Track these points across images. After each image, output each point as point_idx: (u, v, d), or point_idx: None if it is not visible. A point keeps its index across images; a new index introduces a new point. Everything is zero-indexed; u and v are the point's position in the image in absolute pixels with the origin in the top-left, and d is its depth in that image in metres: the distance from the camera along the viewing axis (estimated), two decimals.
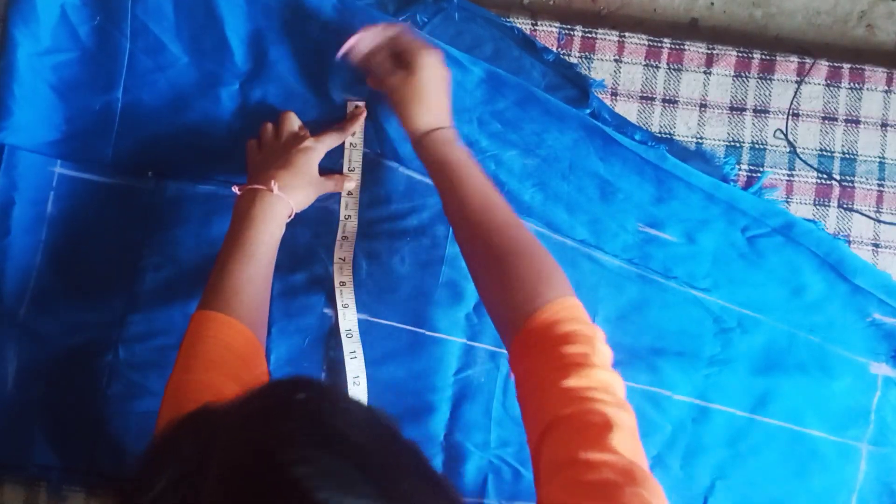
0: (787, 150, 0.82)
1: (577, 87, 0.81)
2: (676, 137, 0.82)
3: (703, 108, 0.82)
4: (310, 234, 0.79)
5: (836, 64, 0.82)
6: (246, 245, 0.67)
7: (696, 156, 0.82)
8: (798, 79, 0.82)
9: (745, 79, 0.82)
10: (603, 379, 0.54)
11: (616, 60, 0.82)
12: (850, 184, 0.82)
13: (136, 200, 0.79)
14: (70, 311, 0.78)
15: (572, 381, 0.53)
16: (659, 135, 0.82)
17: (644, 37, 0.82)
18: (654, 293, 0.80)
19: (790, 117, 0.82)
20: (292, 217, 0.72)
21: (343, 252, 0.78)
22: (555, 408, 0.53)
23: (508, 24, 0.81)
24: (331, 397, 0.42)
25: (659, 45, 0.82)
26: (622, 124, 0.81)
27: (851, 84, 0.82)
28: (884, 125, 0.82)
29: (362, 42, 0.73)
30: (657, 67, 0.82)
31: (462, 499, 0.44)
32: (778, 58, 0.82)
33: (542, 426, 0.53)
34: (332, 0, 0.78)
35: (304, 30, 0.79)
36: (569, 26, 0.82)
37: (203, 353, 0.62)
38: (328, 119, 0.79)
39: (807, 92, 0.82)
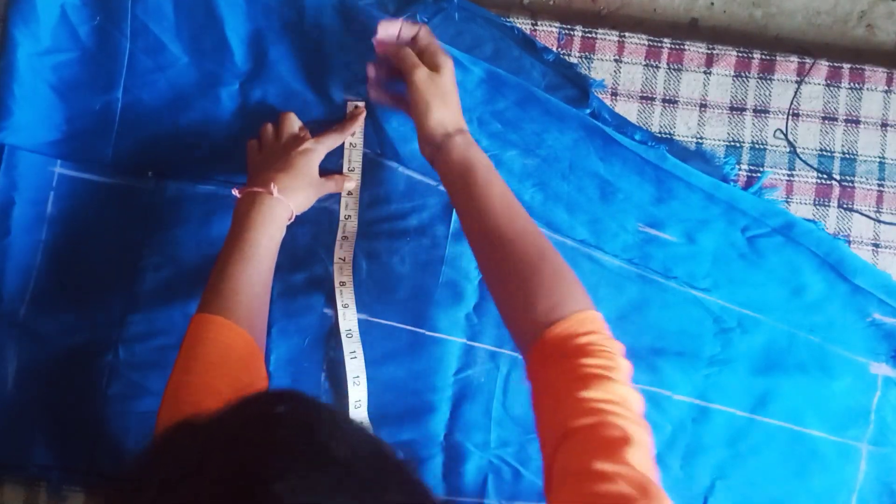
0: (787, 150, 0.83)
1: (577, 87, 0.81)
2: (676, 137, 0.82)
3: (703, 108, 0.82)
4: (310, 234, 0.79)
5: (836, 64, 0.82)
6: (245, 248, 0.67)
7: (696, 156, 0.82)
8: (798, 79, 0.82)
9: (745, 79, 0.82)
10: (622, 393, 0.54)
11: (616, 60, 0.82)
12: (850, 184, 0.82)
13: (136, 200, 0.79)
14: (70, 311, 0.78)
15: (591, 393, 0.53)
16: (659, 135, 0.82)
17: (644, 37, 0.82)
18: (654, 293, 0.80)
19: (790, 117, 0.82)
20: (293, 219, 0.72)
21: (343, 252, 0.78)
22: (572, 418, 0.53)
23: (508, 24, 0.81)
24: (314, 411, 0.42)
25: (659, 45, 0.82)
26: (622, 124, 0.81)
27: (851, 84, 0.82)
28: (884, 125, 0.82)
29: (395, 28, 0.72)
30: (657, 67, 0.82)
31: None
32: (778, 58, 0.82)
33: (557, 435, 0.53)
34: (332, 0, 0.78)
35: (304, 30, 0.79)
36: (569, 26, 0.82)
37: (202, 357, 0.62)
38: (328, 119, 0.79)
39: (807, 92, 0.82)
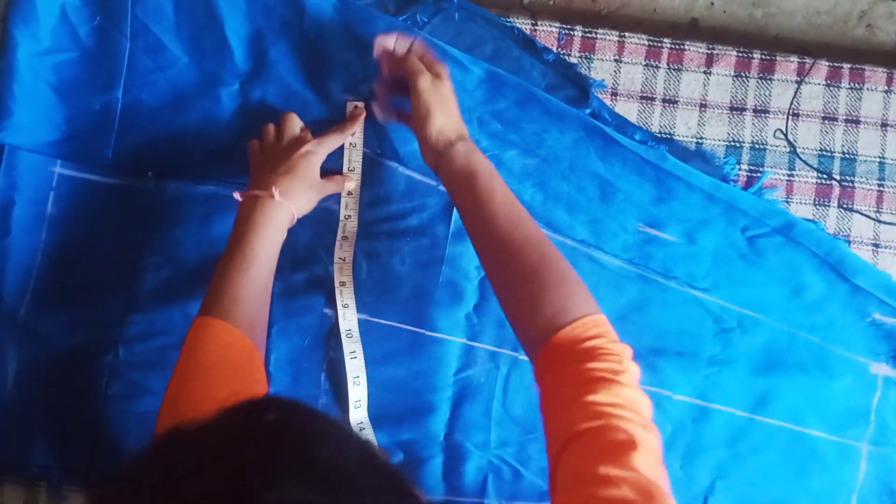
0: (787, 150, 0.82)
1: (577, 87, 0.81)
2: (676, 137, 0.82)
3: (703, 108, 0.82)
4: (310, 234, 0.79)
5: (836, 64, 0.82)
6: (247, 252, 0.67)
7: (696, 156, 0.82)
8: (798, 79, 0.82)
9: (745, 79, 0.82)
10: (630, 397, 0.54)
11: (616, 60, 0.82)
12: (850, 184, 0.82)
13: (136, 200, 0.79)
14: (70, 311, 0.78)
15: (598, 397, 0.53)
16: (659, 135, 0.82)
17: (644, 37, 0.82)
18: (654, 293, 0.80)
19: (790, 117, 0.82)
20: (294, 222, 0.72)
21: (343, 252, 0.78)
22: (578, 421, 0.53)
23: (508, 24, 0.81)
24: (305, 418, 0.41)
25: (659, 45, 0.82)
26: (622, 124, 0.81)
27: (851, 84, 0.82)
28: (884, 125, 0.82)
29: (392, 41, 0.73)
30: (657, 67, 0.82)
31: None
32: (778, 58, 0.82)
33: (563, 438, 0.53)
34: (332, 0, 0.79)
35: (303, 30, 0.79)
36: (569, 26, 0.82)
37: (202, 360, 0.63)
38: (328, 119, 0.79)
39: (807, 92, 0.82)
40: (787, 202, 0.82)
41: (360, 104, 0.79)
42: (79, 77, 0.79)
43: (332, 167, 0.78)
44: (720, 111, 0.82)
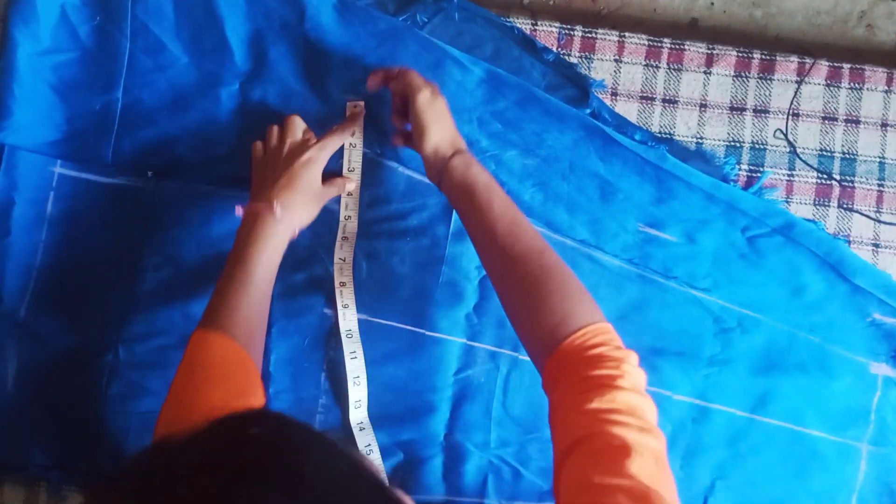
0: (787, 150, 0.83)
1: (577, 87, 0.81)
2: (676, 137, 0.82)
3: (703, 108, 0.82)
4: (310, 234, 0.79)
5: (836, 64, 0.82)
6: (247, 267, 0.67)
7: (696, 156, 0.82)
8: (798, 79, 0.82)
9: (745, 79, 0.82)
10: (628, 401, 0.53)
11: (616, 60, 0.82)
12: (850, 184, 0.82)
13: (136, 200, 0.79)
14: (70, 311, 0.78)
15: (594, 404, 0.53)
16: (659, 135, 0.82)
17: (644, 37, 0.82)
18: (654, 293, 0.80)
19: (790, 117, 0.82)
20: (296, 236, 0.72)
21: (343, 253, 0.78)
22: (575, 431, 0.53)
23: (508, 24, 0.81)
24: (289, 432, 0.41)
25: (659, 45, 0.82)
26: (622, 124, 0.81)
27: (851, 84, 0.82)
28: (884, 125, 0.82)
29: (381, 75, 0.75)
30: (657, 67, 0.82)
31: None
32: (778, 58, 0.82)
33: (562, 449, 0.53)
34: (332, 0, 0.78)
35: (303, 30, 0.79)
36: (569, 26, 0.82)
37: (199, 373, 0.63)
38: (328, 119, 0.79)
39: (807, 92, 0.82)
40: (787, 202, 0.82)
41: (361, 104, 0.79)
42: (79, 77, 0.79)
43: (331, 167, 0.78)
44: (720, 111, 0.82)
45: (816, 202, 0.82)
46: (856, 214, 0.82)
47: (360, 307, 0.79)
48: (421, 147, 0.71)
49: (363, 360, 0.77)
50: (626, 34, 0.82)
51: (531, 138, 0.80)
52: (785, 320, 0.80)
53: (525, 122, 0.80)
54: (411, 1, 0.80)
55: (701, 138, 0.82)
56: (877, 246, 0.82)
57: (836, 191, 0.82)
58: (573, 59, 0.82)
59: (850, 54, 0.85)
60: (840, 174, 0.82)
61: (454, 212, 0.78)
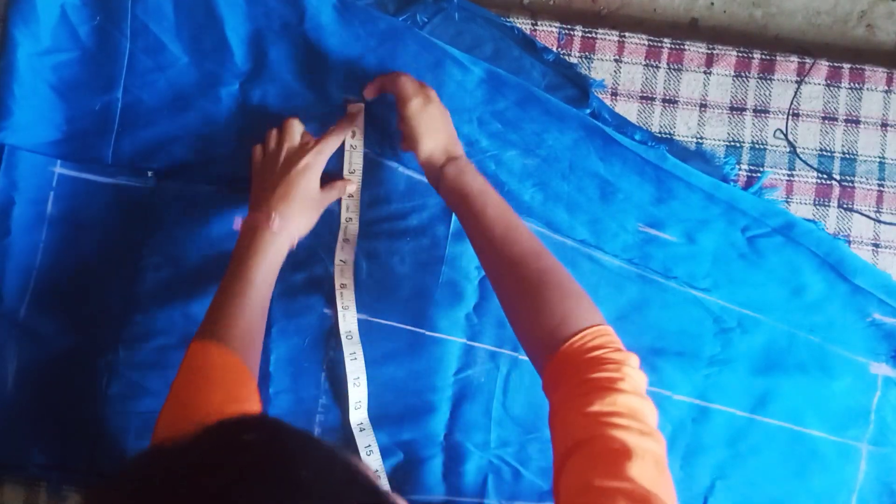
0: (787, 150, 0.83)
1: (577, 87, 0.81)
2: (676, 137, 0.82)
3: (703, 108, 0.82)
4: (310, 234, 0.78)
5: (836, 64, 0.82)
6: (245, 279, 0.68)
7: (696, 156, 0.82)
8: (798, 79, 0.82)
9: (745, 79, 0.82)
10: (629, 404, 0.53)
11: (616, 60, 0.82)
12: (850, 184, 0.82)
13: (136, 200, 0.79)
14: (70, 311, 0.78)
15: (595, 407, 0.53)
16: (659, 135, 0.82)
17: (644, 37, 0.82)
18: (654, 293, 0.80)
19: (790, 117, 0.82)
20: (295, 245, 0.73)
21: (344, 254, 0.78)
22: (576, 434, 0.53)
23: (508, 24, 0.81)
24: (283, 438, 0.41)
25: (659, 45, 0.82)
26: (622, 124, 0.81)
27: (851, 84, 0.82)
28: (884, 125, 0.82)
29: (378, 84, 0.75)
30: (657, 67, 0.82)
31: None
32: (778, 58, 0.82)
33: (563, 452, 0.53)
34: (332, 0, 0.78)
35: (303, 30, 0.79)
36: (569, 26, 0.82)
37: (196, 382, 0.63)
38: (328, 119, 0.79)
39: (807, 92, 0.82)
40: (787, 202, 0.82)
41: (361, 105, 0.79)
42: (79, 77, 0.79)
43: (333, 167, 0.78)
44: (720, 111, 0.82)
45: (816, 202, 0.82)
46: (856, 214, 0.82)
47: (360, 307, 0.79)
48: (416, 154, 0.72)
49: (363, 361, 0.77)
50: (626, 34, 0.82)
51: (531, 138, 0.80)
52: (785, 320, 0.80)
53: (525, 122, 0.80)
54: (411, 1, 0.80)
55: (701, 138, 0.82)
56: (877, 246, 0.82)
57: (836, 191, 0.82)
58: (573, 59, 0.82)
59: (850, 54, 0.85)
60: (840, 174, 0.82)
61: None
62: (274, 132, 0.76)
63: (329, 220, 0.79)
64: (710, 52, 0.82)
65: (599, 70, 0.82)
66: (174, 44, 0.79)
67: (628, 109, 0.82)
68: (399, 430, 0.78)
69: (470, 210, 0.68)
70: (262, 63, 0.79)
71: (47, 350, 0.78)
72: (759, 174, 0.82)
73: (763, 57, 0.82)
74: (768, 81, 0.82)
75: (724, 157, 0.82)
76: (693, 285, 0.80)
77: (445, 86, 0.78)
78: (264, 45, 0.79)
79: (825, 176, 0.82)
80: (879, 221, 0.82)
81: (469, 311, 0.79)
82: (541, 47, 0.81)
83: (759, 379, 0.80)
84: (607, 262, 0.80)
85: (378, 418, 0.78)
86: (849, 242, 0.82)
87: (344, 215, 0.79)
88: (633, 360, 0.57)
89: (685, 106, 0.82)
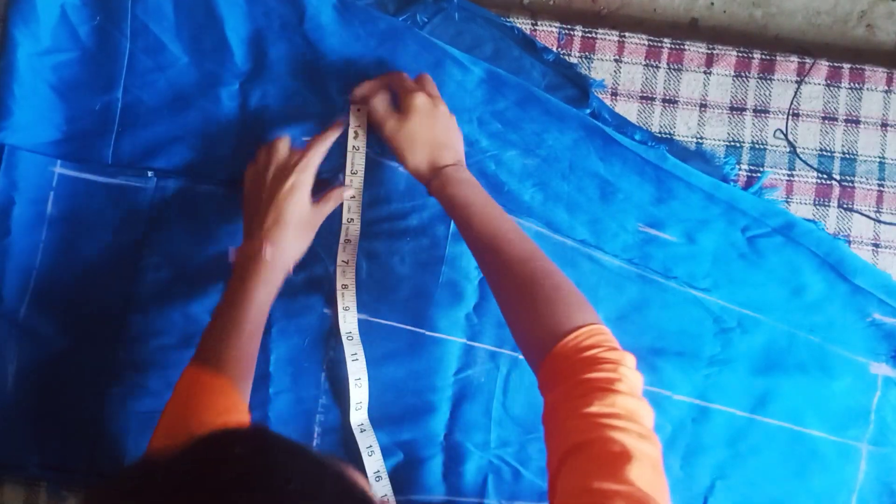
0: (787, 150, 0.83)
1: (577, 87, 0.81)
2: (676, 137, 0.82)
3: (703, 108, 0.82)
4: None
5: (836, 64, 0.82)
6: (241, 308, 0.68)
7: (696, 156, 0.82)
8: (798, 79, 0.82)
9: (745, 79, 0.82)
10: (627, 406, 0.53)
11: (616, 60, 0.82)
12: (850, 184, 0.82)
13: (136, 200, 0.79)
14: (70, 311, 0.78)
15: (594, 408, 0.53)
16: (659, 135, 0.82)
17: (644, 37, 0.82)
18: (654, 293, 0.80)
19: (790, 117, 0.82)
20: (291, 271, 0.73)
21: (346, 255, 0.78)
22: (574, 434, 0.52)
23: (508, 24, 0.81)
24: (269, 450, 0.41)
25: (659, 45, 0.82)
26: (622, 124, 0.81)
27: (851, 84, 0.82)
28: (884, 125, 0.82)
29: (363, 88, 0.75)
30: (657, 67, 0.82)
31: None
32: (778, 58, 0.82)
33: (560, 453, 0.53)
34: (332, 0, 0.78)
35: (303, 30, 0.79)
36: (569, 26, 0.82)
37: (188, 407, 0.63)
38: (329, 119, 0.79)
39: (807, 92, 0.82)
40: (787, 202, 0.82)
41: (363, 108, 0.78)
42: (79, 77, 0.79)
43: (333, 167, 0.78)
44: (720, 111, 0.82)
45: (816, 202, 0.82)
46: (856, 214, 0.82)
47: (360, 307, 0.79)
48: (404, 162, 0.72)
49: (364, 362, 0.77)
50: (626, 34, 0.82)
51: (531, 138, 0.80)
52: (785, 320, 0.80)
53: (525, 122, 0.80)
54: (411, 1, 0.80)
55: (701, 138, 0.82)
56: (877, 246, 0.82)
57: (836, 191, 0.82)
58: (573, 59, 0.82)
59: (850, 54, 0.85)
60: (840, 174, 0.82)
61: None
62: (262, 152, 0.75)
63: (330, 221, 0.79)
64: (710, 52, 0.82)
65: (599, 70, 0.82)
66: (174, 44, 0.79)
67: (628, 109, 0.82)
68: (399, 430, 0.78)
69: (458, 221, 0.69)
70: (262, 63, 0.79)
71: (47, 350, 0.78)
72: (759, 174, 0.82)
73: (763, 57, 0.82)
74: (768, 81, 0.82)
75: (724, 157, 0.82)
76: (693, 285, 0.80)
77: (445, 86, 0.78)
78: (264, 45, 0.79)
79: (825, 176, 0.82)
80: (879, 221, 0.82)
81: (469, 311, 0.79)
82: (541, 47, 0.81)
83: (759, 379, 0.80)
84: (607, 262, 0.80)
85: (378, 418, 0.78)
86: (849, 242, 0.82)
87: (345, 216, 0.79)
88: (629, 359, 0.57)
89: (685, 106, 0.82)
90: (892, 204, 0.82)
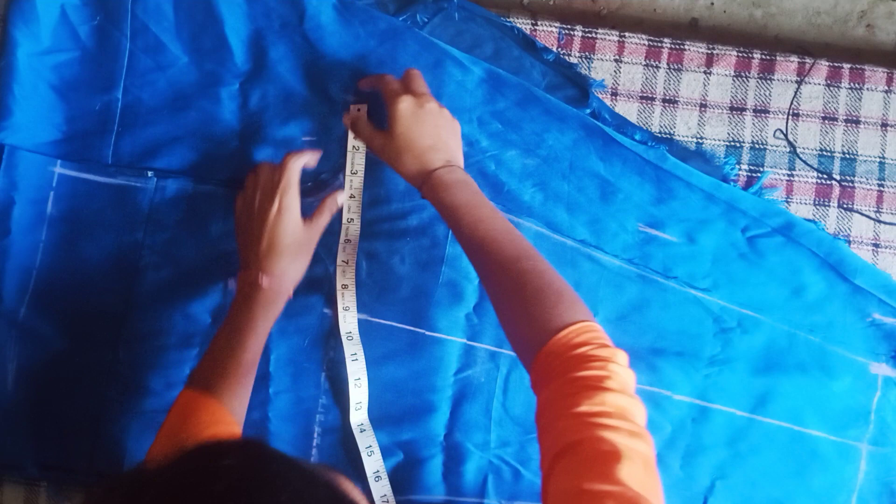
0: (787, 150, 0.83)
1: (577, 87, 0.81)
2: (676, 137, 0.82)
3: (703, 108, 0.82)
4: None
5: (836, 64, 0.82)
6: (240, 335, 0.69)
7: (696, 156, 0.82)
8: (798, 79, 0.82)
9: (745, 79, 0.82)
10: (617, 404, 0.52)
11: (616, 60, 0.82)
12: (850, 184, 0.82)
13: (136, 200, 0.79)
14: (70, 311, 0.78)
15: (584, 407, 0.52)
16: (659, 135, 0.82)
17: (644, 37, 0.82)
18: (654, 293, 0.80)
19: (790, 117, 0.82)
20: (291, 296, 0.73)
21: (346, 255, 0.78)
22: (565, 435, 0.52)
23: (508, 24, 0.81)
24: (260, 462, 0.41)
25: (659, 45, 0.82)
26: (622, 124, 0.81)
27: (851, 84, 0.82)
28: (884, 125, 0.82)
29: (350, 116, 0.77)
30: (657, 67, 0.82)
31: None
32: (778, 58, 0.82)
33: (551, 454, 0.52)
34: (332, 0, 0.78)
35: (303, 30, 0.79)
36: (569, 26, 0.82)
37: (182, 431, 0.64)
38: (329, 119, 0.79)
39: (807, 92, 0.82)
40: (787, 202, 0.82)
41: (364, 106, 0.78)
42: (79, 77, 0.79)
43: (334, 167, 0.78)
44: (720, 111, 0.82)
45: (816, 202, 0.82)
46: (856, 214, 0.82)
47: (360, 307, 0.79)
48: (398, 172, 0.73)
49: (364, 362, 0.77)
50: (626, 34, 0.82)
51: (531, 138, 0.80)
52: (785, 320, 0.80)
53: (525, 121, 0.80)
54: (411, 1, 0.80)
55: (701, 138, 0.82)
56: (877, 246, 0.82)
57: (836, 191, 0.82)
58: (573, 59, 0.82)
59: (850, 54, 0.85)
60: (840, 174, 0.82)
61: None
62: (249, 178, 0.75)
63: (330, 221, 0.79)
64: (710, 52, 0.82)
65: (599, 70, 0.82)
66: (174, 44, 0.79)
67: (628, 109, 0.82)
68: (399, 430, 0.78)
69: (449, 224, 0.69)
70: (262, 63, 0.79)
71: (47, 350, 0.78)
72: (759, 174, 0.82)
73: (763, 57, 0.82)
74: (768, 81, 0.82)
75: (724, 157, 0.82)
76: (693, 285, 0.80)
77: (445, 86, 0.78)
78: (264, 45, 0.79)
79: (825, 176, 0.82)
80: (879, 221, 0.82)
81: (469, 311, 0.79)
82: (541, 47, 0.81)
83: (759, 379, 0.80)
84: (607, 262, 0.80)
85: (378, 418, 0.78)
86: (849, 242, 0.82)
87: (345, 216, 0.79)
88: (621, 356, 0.56)
89: (685, 106, 0.82)
90: (892, 204, 0.82)
